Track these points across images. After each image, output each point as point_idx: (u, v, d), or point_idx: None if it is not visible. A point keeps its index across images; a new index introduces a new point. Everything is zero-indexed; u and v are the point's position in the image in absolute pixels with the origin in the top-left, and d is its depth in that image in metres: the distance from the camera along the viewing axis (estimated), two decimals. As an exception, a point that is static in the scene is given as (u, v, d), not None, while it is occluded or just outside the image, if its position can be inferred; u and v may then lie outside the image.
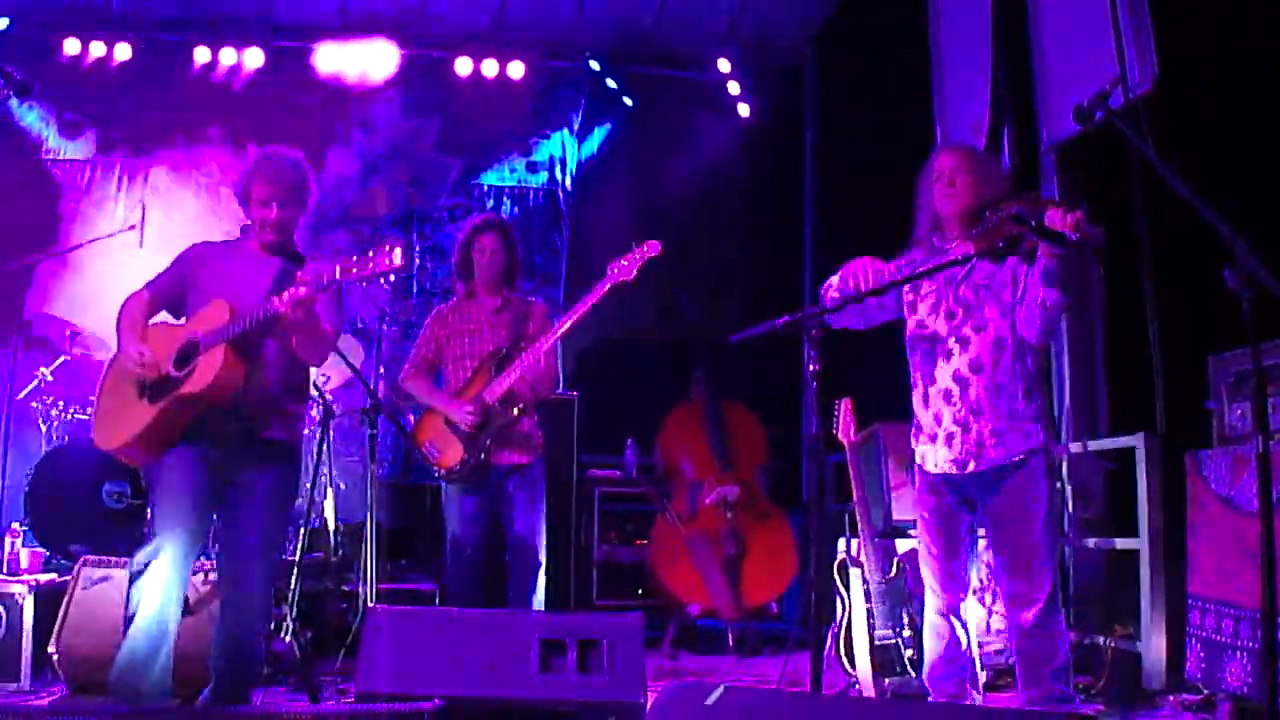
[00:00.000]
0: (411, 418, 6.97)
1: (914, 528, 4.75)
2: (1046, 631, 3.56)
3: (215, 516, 3.86)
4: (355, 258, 3.58)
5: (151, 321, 3.90)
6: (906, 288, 3.85)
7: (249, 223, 3.99)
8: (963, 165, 3.73)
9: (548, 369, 4.76)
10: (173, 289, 3.92)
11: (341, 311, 4.02)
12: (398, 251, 3.52)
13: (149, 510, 3.81)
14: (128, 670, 3.55)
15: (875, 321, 3.92)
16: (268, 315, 3.58)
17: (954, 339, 3.72)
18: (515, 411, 4.70)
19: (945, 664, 3.80)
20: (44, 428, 6.12)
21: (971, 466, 3.66)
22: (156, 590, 3.58)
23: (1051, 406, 5.37)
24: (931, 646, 3.85)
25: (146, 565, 3.59)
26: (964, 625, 3.82)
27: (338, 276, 3.57)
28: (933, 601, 3.83)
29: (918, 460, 3.86)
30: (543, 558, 4.75)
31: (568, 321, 4.67)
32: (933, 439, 3.76)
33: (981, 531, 3.92)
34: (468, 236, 4.99)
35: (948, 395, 3.72)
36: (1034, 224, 3.32)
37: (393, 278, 3.55)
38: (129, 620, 3.58)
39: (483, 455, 4.66)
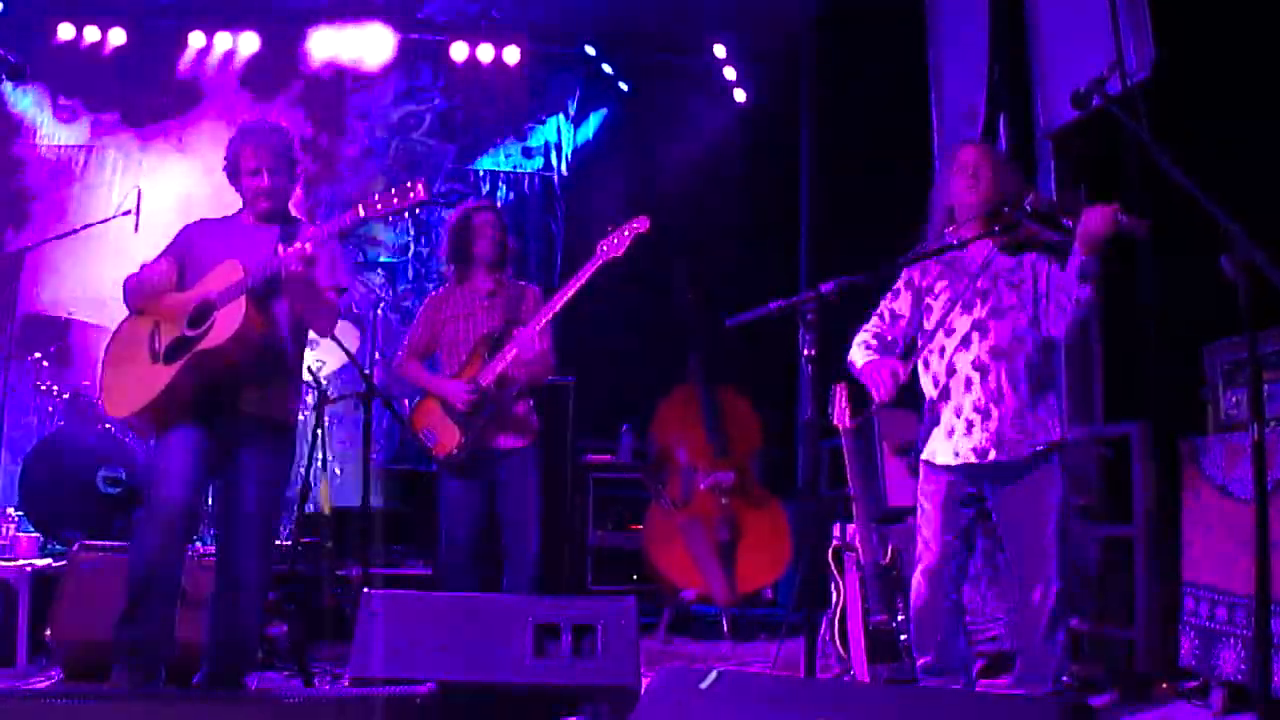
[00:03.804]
0: (408, 404, 6.97)
1: (910, 516, 4.77)
2: (1050, 624, 3.58)
3: (210, 496, 3.86)
4: (377, 194, 3.61)
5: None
6: (924, 300, 3.88)
7: (241, 202, 3.99)
8: (986, 160, 3.79)
9: (541, 352, 4.74)
10: (172, 265, 3.91)
11: (345, 271, 4.00)
12: (421, 185, 3.57)
13: (150, 478, 3.79)
14: (134, 617, 3.56)
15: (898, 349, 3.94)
16: (275, 270, 3.58)
17: (973, 328, 3.73)
18: (514, 393, 4.70)
19: (935, 661, 3.80)
20: (39, 413, 6.11)
21: (992, 455, 3.65)
22: (157, 548, 3.58)
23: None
24: (919, 640, 3.85)
25: (148, 527, 3.61)
26: (958, 617, 3.82)
27: (362, 214, 3.60)
28: (919, 593, 3.82)
29: (925, 456, 3.85)
30: (538, 543, 4.75)
31: (560, 301, 4.66)
32: (950, 432, 3.76)
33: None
34: (462, 217, 4.99)
35: (968, 383, 3.72)
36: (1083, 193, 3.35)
37: (419, 211, 3.58)
38: (132, 581, 3.59)
39: (480, 438, 4.65)
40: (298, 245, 3.55)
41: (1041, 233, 3.48)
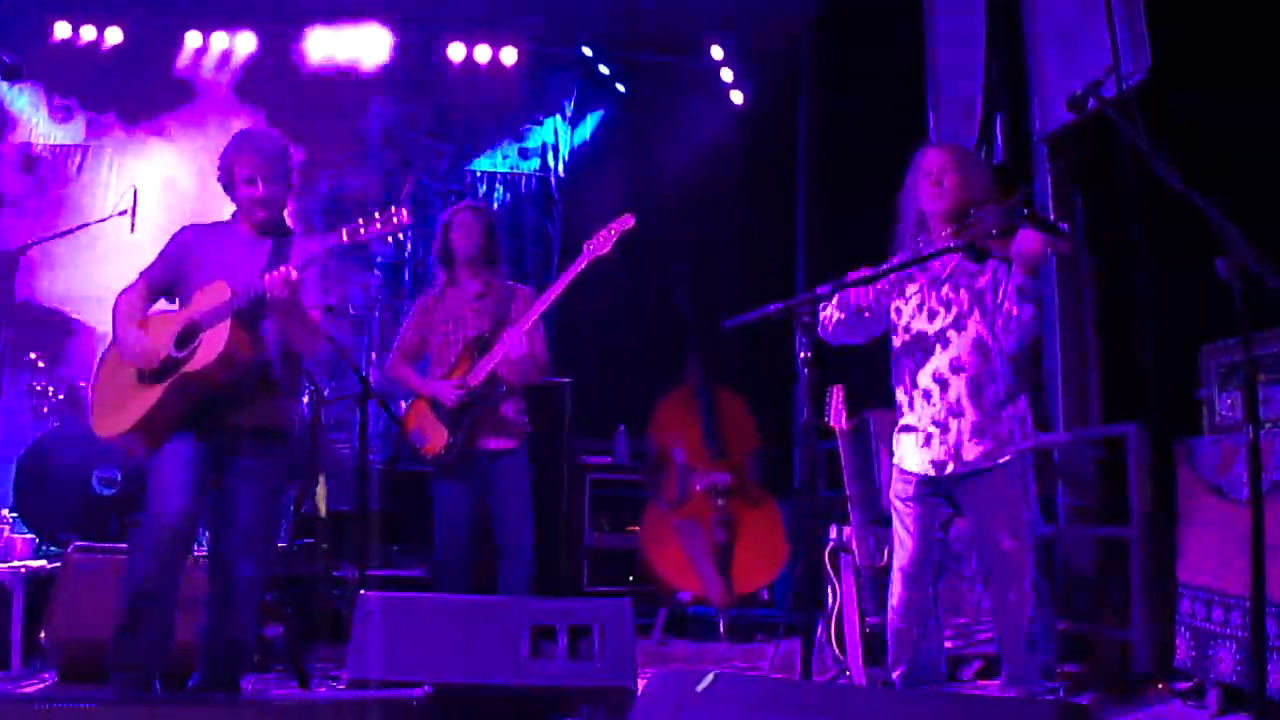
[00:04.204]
0: (404, 405, 6.96)
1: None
2: (1030, 624, 3.54)
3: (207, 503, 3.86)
4: (361, 220, 3.64)
5: (149, 312, 3.89)
6: (895, 300, 3.84)
7: (235, 208, 3.99)
8: (950, 164, 3.71)
9: (531, 352, 4.75)
10: (166, 275, 3.91)
11: (330, 290, 4.01)
12: (404, 211, 3.61)
13: (145, 492, 3.80)
14: (129, 637, 3.56)
15: (873, 334, 3.92)
16: (260, 292, 3.59)
17: (935, 339, 3.71)
18: (502, 392, 4.72)
19: (909, 671, 3.75)
20: (34, 414, 6.10)
21: (950, 469, 3.65)
22: (154, 564, 3.58)
23: (1040, 405, 5.33)
24: (896, 649, 3.80)
25: (144, 543, 3.61)
26: (933, 623, 3.78)
27: (345, 239, 3.63)
28: (897, 595, 3.78)
29: (895, 460, 3.85)
30: (531, 544, 4.75)
31: (546, 301, 4.70)
32: (912, 440, 3.75)
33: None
34: (446, 220, 5.04)
35: (927, 395, 3.71)
36: (1026, 212, 3.32)
37: (401, 235, 3.62)
38: (129, 599, 3.59)
39: (466, 438, 4.66)
40: (281, 270, 3.55)
41: (999, 247, 3.46)
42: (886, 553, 4.58)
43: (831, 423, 4.74)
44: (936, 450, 3.67)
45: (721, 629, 6.13)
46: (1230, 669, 3.89)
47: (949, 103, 6.51)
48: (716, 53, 8.60)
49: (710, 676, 2.66)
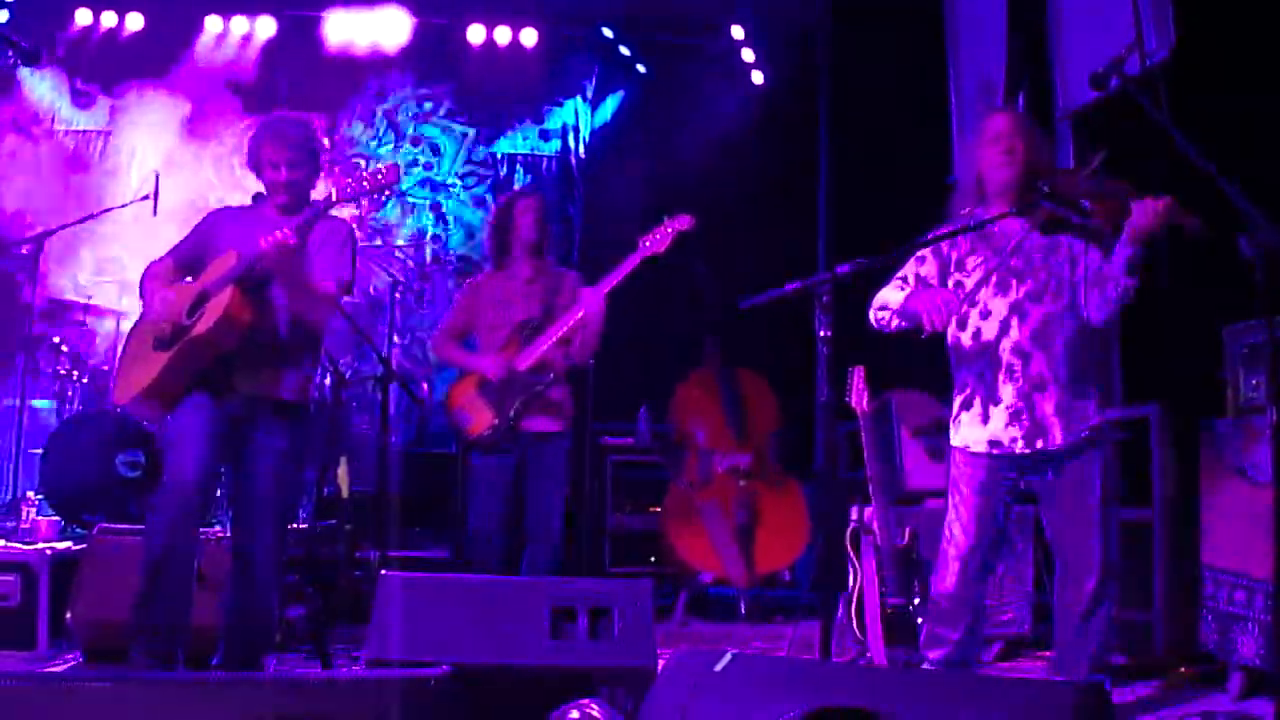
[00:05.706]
0: (425, 386, 6.95)
1: (928, 498, 4.74)
2: (1085, 612, 3.50)
3: (225, 476, 3.91)
4: (349, 177, 3.71)
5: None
6: (954, 275, 3.71)
7: (262, 190, 4.03)
8: (1019, 130, 3.63)
9: (593, 339, 4.74)
10: (194, 253, 3.99)
11: (349, 266, 4.03)
12: (393, 168, 3.71)
13: (163, 461, 3.86)
14: (151, 598, 3.61)
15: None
16: (260, 255, 3.63)
17: (1011, 311, 3.60)
18: (550, 379, 4.72)
19: (948, 656, 3.69)
20: (59, 398, 6.15)
21: (1040, 444, 3.53)
22: (172, 525, 3.63)
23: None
24: (935, 632, 3.72)
25: (162, 504, 3.66)
26: (981, 613, 3.72)
27: (334, 199, 3.70)
28: (949, 581, 3.67)
29: (958, 444, 3.70)
30: (560, 531, 4.75)
31: (603, 292, 4.66)
32: (985, 419, 3.61)
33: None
34: (508, 201, 5.04)
35: (1010, 369, 3.58)
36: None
37: (388, 193, 3.68)
38: (148, 560, 3.63)
39: (512, 420, 4.67)
40: (277, 233, 3.58)
41: (1070, 214, 3.40)
42: (907, 533, 4.57)
43: (852, 404, 4.73)
44: (1023, 426, 3.55)
45: (742, 610, 6.13)
46: (1253, 652, 3.87)
47: (970, 80, 6.47)
48: (737, 33, 8.56)
49: (727, 656, 2.67)
